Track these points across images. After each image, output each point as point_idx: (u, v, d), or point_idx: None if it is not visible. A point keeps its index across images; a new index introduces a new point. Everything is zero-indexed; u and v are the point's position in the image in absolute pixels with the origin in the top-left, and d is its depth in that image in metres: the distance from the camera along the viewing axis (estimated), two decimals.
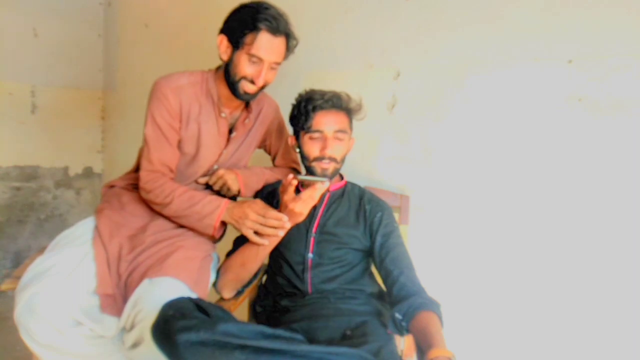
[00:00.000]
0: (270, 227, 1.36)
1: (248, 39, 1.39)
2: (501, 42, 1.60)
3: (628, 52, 1.41)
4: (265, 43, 1.39)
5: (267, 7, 1.41)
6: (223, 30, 1.45)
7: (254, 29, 1.38)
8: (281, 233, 1.36)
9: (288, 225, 1.34)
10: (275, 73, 1.47)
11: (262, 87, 1.48)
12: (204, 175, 1.58)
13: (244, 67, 1.42)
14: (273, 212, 1.36)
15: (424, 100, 1.76)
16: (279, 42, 1.41)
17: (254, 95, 1.48)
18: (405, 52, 1.79)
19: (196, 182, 1.57)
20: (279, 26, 1.39)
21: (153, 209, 1.52)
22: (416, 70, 1.77)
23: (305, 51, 2.00)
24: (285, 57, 1.48)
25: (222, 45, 1.45)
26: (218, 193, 1.58)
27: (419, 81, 1.77)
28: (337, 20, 1.95)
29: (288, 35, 1.44)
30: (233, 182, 1.54)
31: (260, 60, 1.41)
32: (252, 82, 1.43)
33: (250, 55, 1.40)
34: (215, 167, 1.58)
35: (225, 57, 1.46)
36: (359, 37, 1.89)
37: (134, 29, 2.76)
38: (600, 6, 1.44)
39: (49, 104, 2.76)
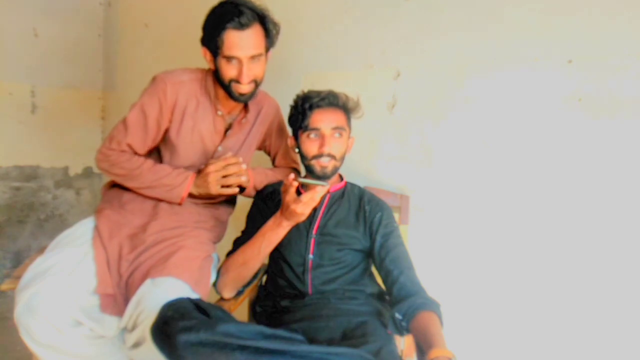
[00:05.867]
0: (232, 175, 1.47)
1: (219, 42, 1.38)
2: (501, 41, 1.60)
3: (628, 52, 1.41)
4: (234, 40, 1.38)
5: (230, 2, 1.39)
6: (202, 41, 1.46)
7: (221, 30, 1.37)
8: (243, 178, 1.48)
9: (244, 167, 1.48)
10: (261, 66, 1.45)
11: (257, 84, 1.47)
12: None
13: (227, 70, 1.42)
14: (228, 159, 1.47)
15: (424, 100, 1.76)
16: (250, 33, 1.39)
17: (250, 94, 1.47)
18: (405, 52, 1.79)
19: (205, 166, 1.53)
20: (244, 19, 1.37)
21: (153, 209, 1.53)
22: (416, 70, 1.77)
23: (305, 51, 2.01)
24: (270, 44, 1.46)
25: (206, 56, 1.47)
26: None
27: (419, 81, 1.77)
28: (337, 20, 1.95)
29: (262, 22, 1.42)
30: (244, 171, 1.52)
31: (237, 58, 1.40)
32: (239, 81, 1.43)
33: (226, 58, 1.40)
34: (220, 148, 1.58)
35: (212, 66, 1.47)
36: (359, 37, 1.89)
37: (134, 29, 2.76)
38: (600, 6, 1.44)
39: (49, 104, 2.75)
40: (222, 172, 1.47)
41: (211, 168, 1.47)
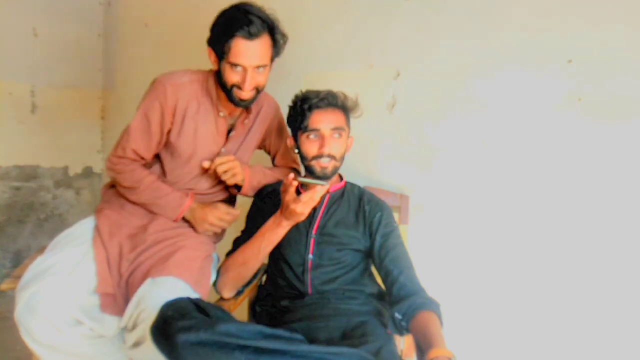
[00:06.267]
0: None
1: (226, 48, 1.37)
2: (501, 41, 1.60)
3: (628, 52, 1.41)
4: (242, 49, 1.37)
5: (242, 10, 1.38)
6: (209, 42, 1.45)
7: (230, 37, 1.36)
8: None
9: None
10: (265, 75, 1.45)
11: (258, 91, 1.47)
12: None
13: (230, 76, 1.41)
14: (232, 216, 1.53)
15: (424, 100, 1.76)
16: (257, 44, 1.38)
17: (251, 100, 1.47)
18: (405, 52, 1.79)
19: (202, 167, 1.53)
20: (254, 29, 1.35)
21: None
22: (416, 70, 1.77)
23: (305, 52, 2.01)
24: (276, 54, 1.46)
25: (211, 57, 1.46)
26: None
27: (419, 81, 1.77)
28: (337, 20, 1.95)
29: (271, 33, 1.41)
30: (240, 171, 1.52)
31: (242, 66, 1.39)
32: (242, 88, 1.42)
33: (232, 65, 1.39)
34: (223, 150, 1.57)
35: (216, 68, 1.46)
36: (359, 37, 1.89)
37: (134, 29, 2.76)
38: (601, 6, 1.44)
39: (49, 104, 2.75)
40: (219, 224, 1.52)
41: (212, 219, 1.50)
